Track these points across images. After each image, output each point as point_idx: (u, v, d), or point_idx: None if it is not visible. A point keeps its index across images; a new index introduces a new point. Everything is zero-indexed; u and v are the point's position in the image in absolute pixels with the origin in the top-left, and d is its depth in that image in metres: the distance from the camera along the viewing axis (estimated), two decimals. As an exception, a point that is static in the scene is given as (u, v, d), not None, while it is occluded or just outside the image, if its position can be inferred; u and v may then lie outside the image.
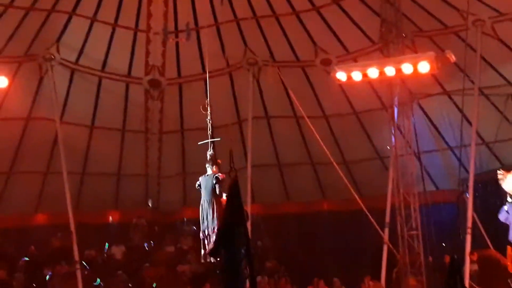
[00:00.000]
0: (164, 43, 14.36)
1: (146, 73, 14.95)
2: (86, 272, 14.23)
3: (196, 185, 10.40)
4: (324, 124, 16.00)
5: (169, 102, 15.57)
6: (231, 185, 4.42)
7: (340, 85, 14.63)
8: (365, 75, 13.10)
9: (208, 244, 9.61)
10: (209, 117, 11.13)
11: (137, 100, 15.35)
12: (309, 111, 15.08)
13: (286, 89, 14.91)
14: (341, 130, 16.16)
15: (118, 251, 15.50)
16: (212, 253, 4.35)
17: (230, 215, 4.43)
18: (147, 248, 16.21)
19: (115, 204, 16.45)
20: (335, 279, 14.80)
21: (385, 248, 14.68)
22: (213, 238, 9.58)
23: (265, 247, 16.29)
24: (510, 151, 14.68)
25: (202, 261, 10.52)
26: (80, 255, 14.39)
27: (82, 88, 14.84)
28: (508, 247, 11.42)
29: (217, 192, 9.88)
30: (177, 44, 14.42)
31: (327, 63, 14.54)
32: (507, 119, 14.30)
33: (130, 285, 14.11)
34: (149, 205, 16.65)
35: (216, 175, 10.12)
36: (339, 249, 15.73)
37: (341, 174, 14.65)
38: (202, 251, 9.86)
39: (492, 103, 14.39)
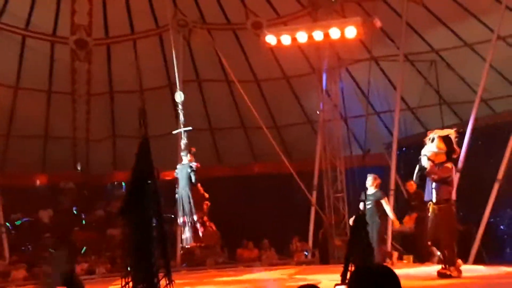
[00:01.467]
0: (90, 1, 13.94)
1: (72, 33, 14.48)
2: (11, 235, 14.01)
3: (175, 173, 10.71)
4: (255, 88, 16.08)
5: (97, 63, 15.19)
6: (141, 144, 4.41)
7: (271, 49, 14.72)
8: (294, 39, 13.23)
9: (188, 232, 9.89)
10: (180, 106, 11.31)
11: (63, 60, 14.89)
12: (240, 75, 15.12)
13: (217, 52, 14.83)
14: (272, 94, 16.29)
15: (45, 215, 15.24)
16: (122, 210, 4.34)
17: (139, 172, 4.44)
18: (75, 212, 16.00)
19: (43, 167, 16.07)
20: (265, 240, 15.13)
21: (312, 210, 15.10)
22: (196, 226, 9.98)
23: (197, 210, 16.35)
24: (433, 116, 15.19)
25: (183, 246, 10.80)
26: (6, 219, 14.12)
27: (5, 47, 14.27)
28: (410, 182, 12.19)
29: (193, 180, 10.30)
30: (104, 2, 14.04)
31: (258, 26, 14.53)
32: (431, 85, 14.76)
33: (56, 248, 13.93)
34: (77, 169, 16.37)
35: (191, 164, 10.46)
36: (269, 212, 16.02)
37: (271, 138, 14.85)
38: (183, 237, 10.14)
39: (417, 69, 14.81)
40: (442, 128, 14.95)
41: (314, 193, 15.16)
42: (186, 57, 14.99)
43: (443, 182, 8.88)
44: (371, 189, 10.73)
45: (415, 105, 15.19)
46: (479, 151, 13.56)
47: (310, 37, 13.15)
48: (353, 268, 4.17)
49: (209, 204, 10.83)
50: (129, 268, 4.41)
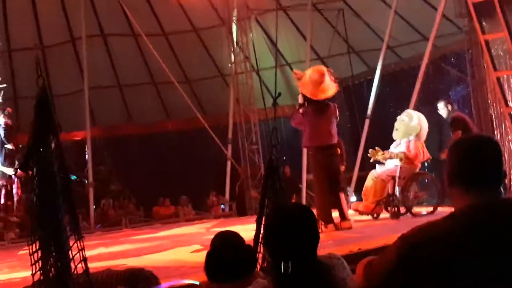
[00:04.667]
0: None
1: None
2: None
3: None
4: (164, 42, 15.64)
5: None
6: (39, 93, 4.08)
7: (178, 1, 14.31)
8: (201, -11, 12.89)
9: None
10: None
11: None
12: (147, 28, 14.62)
13: (121, 5, 14.21)
14: (181, 48, 15.91)
15: None
16: (22, 166, 4.03)
17: (39, 125, 4.10)
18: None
19: None
20: (183, 197, 15.02)
21: (228, 163, 15.09)
22: None
23: (109, 170, 15.99)
24: (342, 65, 15.38)
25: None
26: None
27: None
28: None
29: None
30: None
31: (163, -23, 14.05)
32: (339, 34, 14.90)
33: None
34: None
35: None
36: (184, 168, 15.90)
37: (183, 93, 14.57)
38: None
39: (325, 18, 14.88)
40: (352, 76, 15.34)
41: (229, 147, 15.14)
42: (88, 11, 14.30)
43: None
44: None
45: (325, 54, 15.32)
46: (387, 97, 13.95)
47: (218, -13, 12.86)
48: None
49: None
50: (35, 231, 4.14)
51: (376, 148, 9.22)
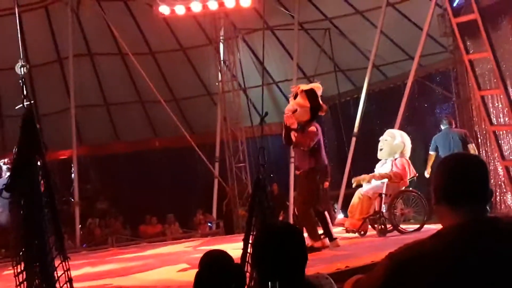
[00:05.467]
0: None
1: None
2: None
3: None
4: (151, 61, 15.66)
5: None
6: (25, 113, 4.08)
7: (166, 20, 14.37)
8: (188, 9, 12.98)
9: None
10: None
11: None
12: (134, 47, 14.65)
13: (108, 24, 14.24)
14: (169, 67, 15.94)
15: None
16: (8, 188, 4.00)
17: (25, 146, 4.10)
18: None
19: None
20: (170, 215, 14.95)
21: (215, 182, 15.06)
22: None
23: (96, 189, 15.90)
24: (329, 83, 15.47)
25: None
26: None
27: None
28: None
29: None
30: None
31: (150, -4, 14.09)
32: (326, 53, 15.02)
33: None
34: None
35: None
36: (172, 186, 15.84)
37: (170, 112, 14.57)
38: None
39: (312, 38, 15.00)
40: (339, 95, 15.44)
41: (217, 165, 15.13)
42: (75, 30, 14.31)
43: (312, 151, 7.69)
44: None
45: (311, 73, 15.42)
46: (373, 115, 14.05)
47: (205, 7, 12.95)
48: (255, 231, 4.13)
49: None
50: (21, 251, 4.10)
51: (362, 175, 9.29)
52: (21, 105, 4.14)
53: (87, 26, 14.80)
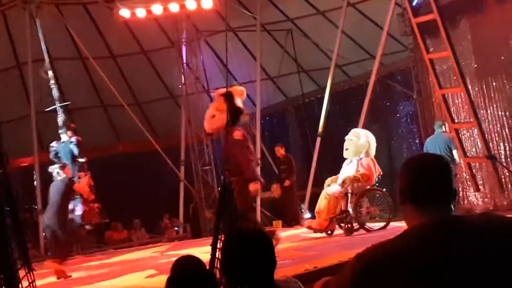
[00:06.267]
0: None
1: None
2: None
3: (51, 152, 10.33)
4: (113, 65, 15.48)
5: None
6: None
7: (126, 23, 14.22)
8: (149, 12, 12.88)
9: None
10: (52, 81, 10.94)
11: None
12: (95, 51, 14.44)
13: (68, 29, 14.02)
14: (131, 70, 15.78)
15: None
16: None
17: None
18: None
19: None
20: (136, 220, 14.80)
21: (181, 185, 14.96)
22: None
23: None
24: (292, 84, 15.59)
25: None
26: None
27: None
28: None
29: (76, 153, 10.20)
30: None
31: (110, 0, 13.91)
32: (288, 54, 15.09)
33: None
34: None
35: (72, 139, 10.36)
36: (137, 191, 15.67)
37: (133, 116, 14.42)
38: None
39: (274, 38, 15.05)
40: (302, 95, 15.52)
41: (182, 168, 15.02)
42: (34, 35, 14.03)
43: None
44: None
45: (275, 74, 15.48)
46: (337, 114, 14.17)
47: (166, 9, 12.86)
48: (223, 236, 4.10)
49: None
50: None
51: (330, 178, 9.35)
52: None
53: (46, 31, 14.51)
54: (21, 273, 3.99)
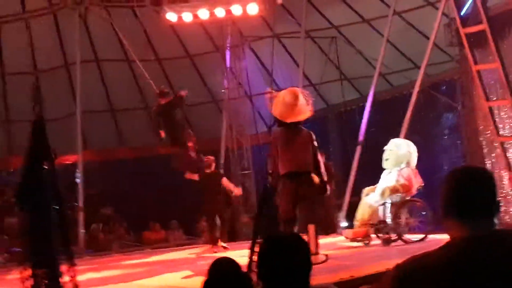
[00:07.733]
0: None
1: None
2: None
3: None
4: (157, 68, 15.70)
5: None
6: (35, 123, 4.11)
7: (173, 27, 14.42)
8: (195, 16, 13.02)
9: None
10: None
11: None
12: (141, 54, 14.68)
13: (115, 31, 14.30)
14: (175, 73, 15.96)
15: None
16: (17, 195, 4.03)
17: (34, 153, 4.13)
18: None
19: None
20: (173, 221, 14.95)
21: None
22: None
23: (100, 194, 15.91)
24: (334, 91, 15.53)
25: None
26: None
27: None
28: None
29: None
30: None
31: (157, 3, 14.11)
32: (332, 61, 15.04)
33: None
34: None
35: None
36: (176, 192, 15.81)
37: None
38: None
39: (318, 46, 15.03)
40: (344, 103, 15.45)
41: (221, 171, 15.08)
42: (83, 36, 14.37)
43: None
44: None
45: (317, 81, 15.44)
46: (379, 124, 14.04)
47: (212, 14, 12.99)
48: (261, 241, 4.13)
49: None
50: (28, 256, 4.12)
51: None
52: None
53: (94, 32, 14.86)
54: (63, 268, 4.10)
